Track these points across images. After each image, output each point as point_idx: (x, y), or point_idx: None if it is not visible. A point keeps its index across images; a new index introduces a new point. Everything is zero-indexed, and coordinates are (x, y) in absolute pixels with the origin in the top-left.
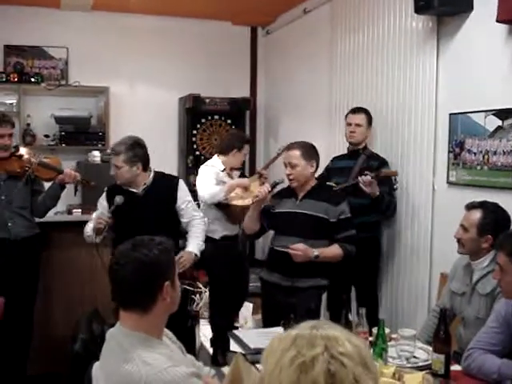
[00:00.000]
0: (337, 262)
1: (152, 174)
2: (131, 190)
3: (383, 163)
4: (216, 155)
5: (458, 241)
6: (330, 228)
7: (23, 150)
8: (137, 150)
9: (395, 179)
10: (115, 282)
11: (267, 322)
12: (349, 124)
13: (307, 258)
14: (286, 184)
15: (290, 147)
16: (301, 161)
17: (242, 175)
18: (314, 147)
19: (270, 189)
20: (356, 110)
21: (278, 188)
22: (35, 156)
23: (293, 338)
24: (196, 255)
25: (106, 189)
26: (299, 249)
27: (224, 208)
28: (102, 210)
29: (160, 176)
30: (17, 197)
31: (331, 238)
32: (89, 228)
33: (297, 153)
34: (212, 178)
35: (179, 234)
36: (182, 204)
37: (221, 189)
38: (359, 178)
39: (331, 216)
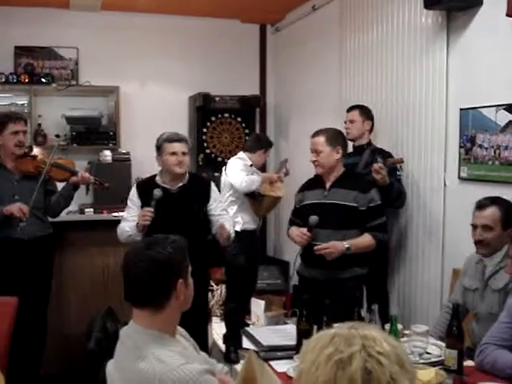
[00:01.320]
0: (371, 251)
1: (188, 174)
2: (166, 186)
3: (388, 157)
4: (242, 152)
5: (479, 242)
6: (360, 216)
7: (37, 151)
8: (191, 144)
9: (400, 167)
10: (129, 281)
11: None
12: (345, 122)
13: (340, 253)
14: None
15: (315, 134)
16: (325, 147)
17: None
18: (340, 133)
19: (308, 233)
20: (349, 108)
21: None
22: (49, 157)
23: (331, 336)
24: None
25: (135, 184)
26: (329, 246)
27: (257, 198)
28: (134, 206)
29: (194, 176)
30: (31, 197)
31: (362, 227)
32: (127, 227)
33: (321, 139)
34: (244, 168)
35: (208, 231)
36: (214, 203)
37: (257, 178)
38: (372, 166)
39: (361, 204)
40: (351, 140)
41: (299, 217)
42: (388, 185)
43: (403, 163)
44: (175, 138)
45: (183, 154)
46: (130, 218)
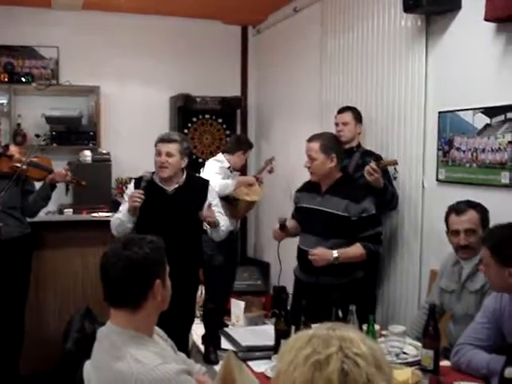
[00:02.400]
0: (362, 262)
1: (185, 175)
2: (161, 186)
3: (378, 158)
4: (221, 153)
5: (465, 247)
6: (351, 226)
7: (14, 150)
8: (187, 144)
9: (395, 169)
10: (106, 280)
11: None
12: (336, 124)
13: (327, 262)
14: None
15: (310, 139)
16: (319, 154)
17: (242, 174)
18: (335, 139)
19: (280, 231)
20: (341, 110)
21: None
22: (25, 155)
23: (309, 337)
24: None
25: (133, 180)
26: (317, 253)
27: (231, 202)
28: None
29: (191, 177)
30: (7, 197)
31: (354, 237)
32: (120, 214)
33: (315, 146)
34: (220, 171)
35: (203, 232)
36: (212, 205)
37: (231, 182)
38: (365, 168)
39: (352, 214)
40: (343, 143)
41: (298, 214)
42: (382, 188)
43: (397, 165)
44: (164, 138)
45: (168, 154)
46: (124, 211)
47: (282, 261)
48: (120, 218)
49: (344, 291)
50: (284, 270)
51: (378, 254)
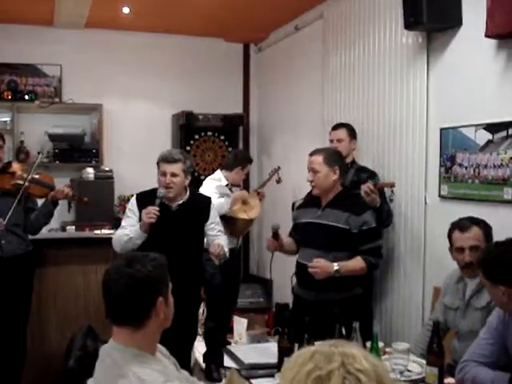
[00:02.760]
0: (362, 275)
1: (188, 192)
2: (166, 203)
3: (373, 175)
4: (219, 170)
5: (470, 264)
6: (352, 239)
7: (16, 167)
8: (190, 162)
9: (392, 191)
10: (109, 298)
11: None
12: (331, 141)
13: (328, 274)
14: (283, 227)
15: (312, 152)
16: (323, 167)
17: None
18: (338, 153)
19: (273, 239)
20: (336, 127)
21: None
22: (28, 173)
23: (311, 353)
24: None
25: (135, 195)
26: (317, 266)
27: (229, 221)
28: (133, 215)
29: (194, 194)
30: (10, 215)
31: (354, 250)
32: (127, 230)
33: (319, 158)
34: (216, 190)
35: (203, 251)
36: (212, 224)
37: (226, 201)
38: (361, 187)
39: (353, 226)
40: None
41: (296, 232)
42: (379, 206)
43: (394, 187)
44: (168, 159)
45: (173, 175)
46: (128, 226)
47: (286, 277)
48: (128, 235)
49: (344, 307)
50: (286, 287)
51: (377, 267)
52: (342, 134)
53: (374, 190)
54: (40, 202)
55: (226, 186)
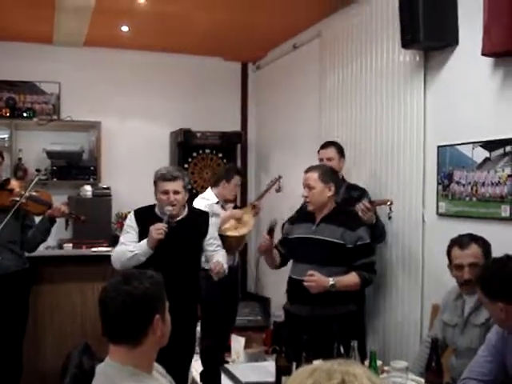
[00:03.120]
0: (356, 290)
1: (187, 208)
2: (162, 218)
3: (364, 193)
4: (209, 188)
5: (469, 281)
6: (347, 254)
7: (14, 184)
8: (187, 178)
9: (390, 208)
10: (105, 315)
11: (290, 355)
12: (320, 160)
13: (323, 289)
14: (281, 222)
15: (308, 169)
16: (318, 183)
17: (236, 207)
18: (333, 170)
19: (268, 237)
20: (325, 145)
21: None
22: (26, 190)
23: (312, 369)
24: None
25: (133, 212)
26: (313, 280)
27: (221, 239)
28: (132, 231)
29: (193, 210)
30: (6, 231)
31: (349, 265)
32: (131, 247)
33: (314, 175)
34: (205, 209)
35: (200, 267)
36: (210, 239)
37: (215, 221)
38: (356, 205)
39: (348, 241)
40: None
41: (285, 247)
42: (374, 223)
43: (392, 204)
44: (169, 177)
45: (175, 192)
46: (129, 243)
47: (284, 296)
48: (133, 251)
49: (340, 324)
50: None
51: (370, 283)
52: (332, 152)
53: (371, 207)
54: (38, 219)
55: (217, 203)
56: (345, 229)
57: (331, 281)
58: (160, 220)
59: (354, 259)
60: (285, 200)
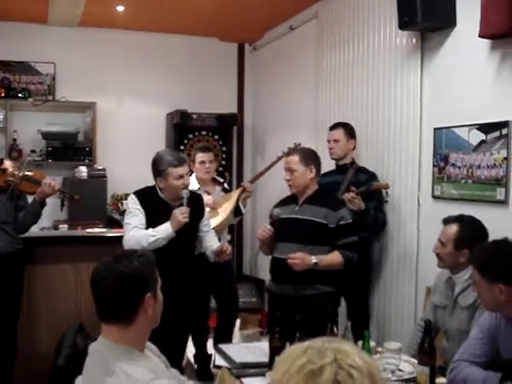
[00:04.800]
0: (339, 270)
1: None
2: (167, 201)
3: (372, 176)
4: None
5: (437, 255)
6: (329, 234)
7: (8, 164)
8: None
9: (386, 192)
10: (97, 295)
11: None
12: (328, 141)
13: (306, 266)
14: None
15: (289, 153)
16: (299, 166)
17: (225, 190)
18: (313, 152)
19: (270, 227)
20: (333, 127)
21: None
22: (19, 169)
23: (305, 348)
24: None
25: (134, 194)
26: (297, 257)
27: None
28: (140, 214)
29: (189, 192)
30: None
31: (331, 244)
32: (151, 231)
33: (295, 158)
34: None
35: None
36: (206, 220)
37: None
38: (344, 195)
39: (330, 221)
40: (335, 159)
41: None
42: (363, 210)
43: (388, 188)
44: (179, 162)
45: (186, 175)
46: (142, 226)
47: None
48: (155, 236)
49: (321, 303)
50: None
51: (354, 263)
52: (339, 134)
53: (355, 196)
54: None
55: (198, 189)
56: (328, 209)
57: (314, 259)
58: (167, 204)
59: (336, 238)
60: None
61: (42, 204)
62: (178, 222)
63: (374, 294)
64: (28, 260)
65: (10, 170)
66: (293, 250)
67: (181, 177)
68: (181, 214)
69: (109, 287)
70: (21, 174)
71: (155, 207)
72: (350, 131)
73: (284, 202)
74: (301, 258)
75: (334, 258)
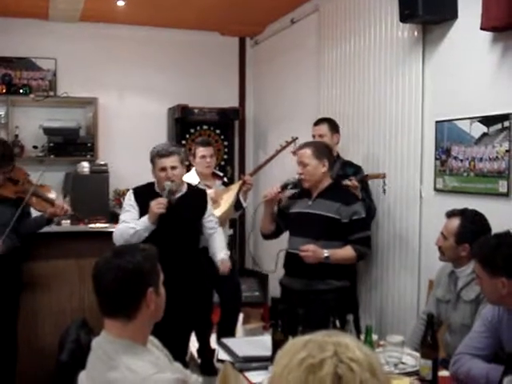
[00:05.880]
0: (352, 264)
1: (185, 184)
2: (159, 193)
3: (359, 170)
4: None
5: (439, 248)
6: (342, 229)
7: (18, 173)
8: (184, 153)
9: (384, 182)
10: (98, 290)
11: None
12: (313, 136)
13: (318, 260)
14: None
15: (301, 146)
16: (312, 160)
17: (224, 184)
18: (327, 146)
19: (279, 189)
20: (318, 122)
21: (290, 189)
22: (29, 182)
23: (304, 342)
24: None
25: (131, 190)
26: (309, 249)
27: None
28: (133, 210)
29: (191, 187)
30: (1, 217)
31: (344, 240)
32: (132, 224)
33: (308, 152)
34: None
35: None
36: (209, 216)
37: None
38: (344, 182)
39: (343, 216)
40: None
41: (283, 220)
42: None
43: (385, 178)
44: (164, 153)
45: (173, 168)
46: (130, 220)
47: (282, 271)
48: (134, 228)
49: (333, 298)
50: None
51: (366, 257)
52: (324, 129)
53: (357, 184)
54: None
55: (198, 183)
56: (341, 204)
57: (325, 253)
58: (160, 197)
59: (349, 234)
60: (284, 177)
61: (49, 222)
62: (153, 214)
63: (376, 287)
64: (33, 256)
65: (21, 181)
66: (305, 244)
67: (163, 169)
68: (156, 204)
69: (110, 282)
70: (33, 190)
71: (149, 201)
72: (334, 126)
73: (297, 196)
74: (312, 250)
75: (346, 252)
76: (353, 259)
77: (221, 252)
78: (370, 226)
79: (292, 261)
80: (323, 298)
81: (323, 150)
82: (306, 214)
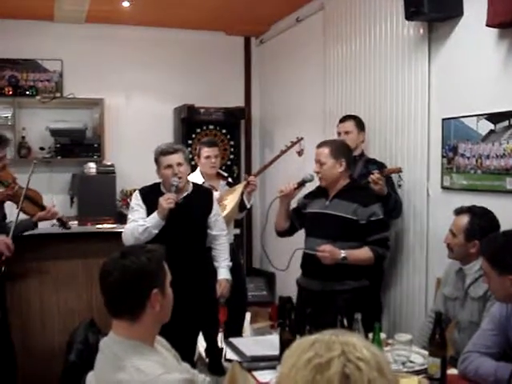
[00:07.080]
0: (369, 265)
1: (191, 183)
2: (165, 193)
3: (382, 167)
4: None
5: (448, 246)
6: (359, 230)
7: (9, 175)
8: (187, 151)
9: (400, 176)
10: (104, 290)
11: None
12: (338, 133)
13: (335, 260)
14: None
15: (320, 144)
16: (329, 159)
17: (229, 184)
18: (345, 145)
19: (295, 185)
20: (343, 119)
21: (307, 186)
22: (19, 187)
23: (312, 341)
24: (228, 280)
25: (138, 191)
26: (326, 250)
27: None
28: (141, 209)
29: (197, 186)
30: (11, 232)
31: (362, 241)
32: (142, 221)
33: (325, 150)
34: None
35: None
36: (214, 216)
37: None
38: (369, 177)
39: (360, 217)
40: None
41: (298, 218)
42: (385, 195)
43: (401, 172)
44: (169, 150)
45: (179, 165)
46: (139, 219)
47: (289, 271)
48: (144, 225)
49: (350, 298)
50: (290, 280)
51: (384, 259)
52: (350, 126)
53: (381, 177)
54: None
55: (203, 183)
56: (358, 205)
57: (343, 253)
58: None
59: (367, 235)
60: (291, 177)
61: (35, 226)
62: (162, 209)
63: (384, 285)
64: (40, 257)
65: (12, 184)
66: (322, 245)
67: (169, 166)
68: (165, 200)
69: (115, 282)
70: (24, 195)
71: (157, 201)
72: (360, 123)
73: (314, 195)
74: (329, 250)
75: (364, 252)
76: (370, 260)
77: (222, 268)
78: (388, 227)
79: (309, 261)
80: (340, 298)
81: (341, 149)
82: (322, 214)
